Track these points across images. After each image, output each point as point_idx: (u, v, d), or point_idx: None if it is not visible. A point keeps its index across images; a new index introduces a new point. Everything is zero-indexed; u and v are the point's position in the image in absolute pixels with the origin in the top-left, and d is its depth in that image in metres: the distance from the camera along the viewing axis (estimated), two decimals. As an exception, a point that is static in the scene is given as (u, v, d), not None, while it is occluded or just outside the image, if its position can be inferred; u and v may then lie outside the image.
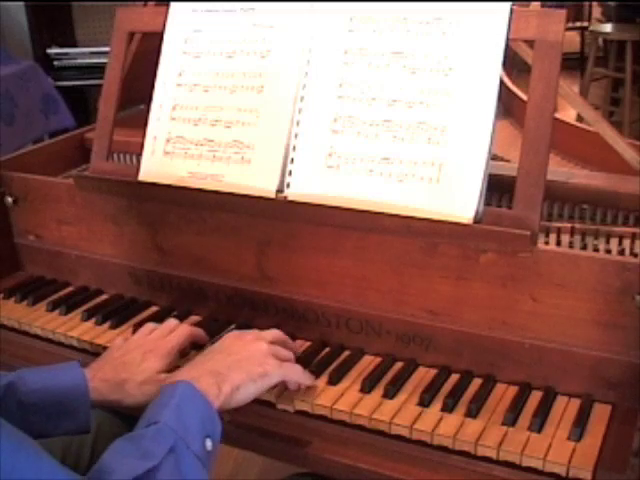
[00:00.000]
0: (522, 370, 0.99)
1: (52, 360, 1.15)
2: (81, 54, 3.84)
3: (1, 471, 0.65)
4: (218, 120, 1.17)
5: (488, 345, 1.00)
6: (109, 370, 0.98)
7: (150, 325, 1.09)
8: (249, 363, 0.93)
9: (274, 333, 1.03)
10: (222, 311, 1.19)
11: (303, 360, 1.04)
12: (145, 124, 1.22)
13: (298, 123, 1.10)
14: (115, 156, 1.45)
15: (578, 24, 5.61)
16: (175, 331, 1.06)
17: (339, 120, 1.08)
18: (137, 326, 1.17)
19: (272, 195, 1.10)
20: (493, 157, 1.02)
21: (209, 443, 0.82)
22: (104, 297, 1.29)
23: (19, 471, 0.67)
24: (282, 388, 0.99)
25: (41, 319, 1.23)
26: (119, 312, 1.22)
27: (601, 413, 0.94)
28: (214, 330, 1.15)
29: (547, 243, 1.11)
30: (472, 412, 0.94)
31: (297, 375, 0.97)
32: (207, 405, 0.85)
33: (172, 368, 1.02)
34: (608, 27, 4.58)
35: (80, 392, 0.94)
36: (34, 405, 0.92)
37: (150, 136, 1.22)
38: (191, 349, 1.10)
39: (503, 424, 0.92)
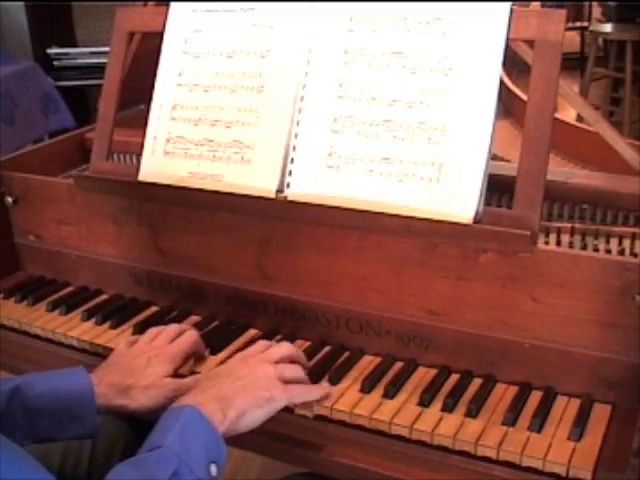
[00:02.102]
0: (522, 370, 0.99)
1: (52, 360, 1.16)
2: (81, 54, 3.84)
3: None
4: (218, 120, 1.17)
5: (488, 345, 1.00)
6: (115, 375, 0.98)
7: (153, 330, 1.09)
8: (255, 388, 0.91)
9: (282, 350, 0.99)
10: (222, 311, 1.19)
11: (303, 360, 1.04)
12: (145, 124, 1.22)
13: (298, 123, 1.10)
14: (115, 156, 1.45)
15: (578, 24, 5.61)
16: (181, 337, 1.06)
17: (339, 120, 1.08)
18: (137, 326, 1.17)
19: (272, 195, 1.10)
20: (493, 157, 1.02)
21: (214, 469, 0.82)
22: (104, 297, 1.29)
23: None
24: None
25: (41, 319, 1.23)
26: (119, 312, 1.22)
27: (601, 413, 0.94)
28: (214, 336, 1.15)
29: (547, 243, 1.11)
30: (472, 412, 0.94)
31: (304, 396, 0.96)
32: (212, 430, 0.84)
33: (176, 374, 1.02)
34: (608, 27, 4.57)
35: (86, 397, 0.94)
36: (40, 409, 0.92)
37: (150, 136, 1.22)
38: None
39: (503, 424, 0.92)
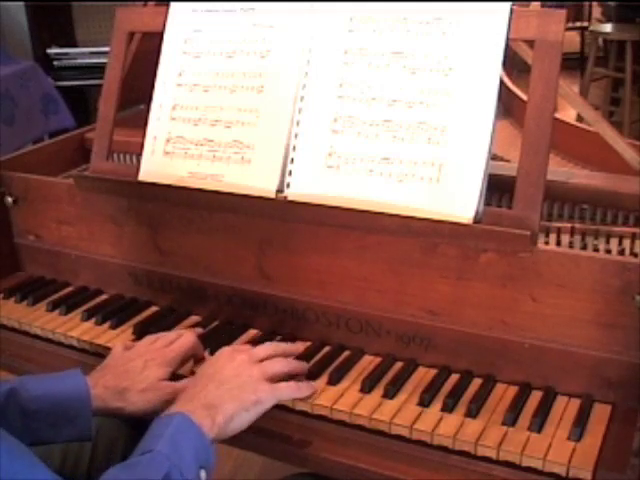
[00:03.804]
0: (522, 370, 0.99)
1: (52, 360, 1.16)
2: (81, 54, 3.83)
3: None
4: (218, 120, 1.17)
5: (488, 345, 1.00)
6: (111, 378, 0.98)
7: (151, 336, 1.09)
8: (242, 392, 0.91)
9: (267, 348, 1.01)
10: (222, 311, 1.19)
11: (303, 360, 1.04)
12: (145, 124, 1.22)
13: (298, 123, 1.10)
14: (115, 156, 1.45)
15: (578, 24, 5.61)
16: (178, 340, 1.06)
17: (339, 120, 1.08)
18: (137, 326, 1.17)
19: (272, 195, 1.10)
20: (493, 157, 1.02)
21: (203, 474, 0.82)
22: (104, 297, 1.29)
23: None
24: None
25: (41, 319, 1.23)
26: (119, 312, 1.22)
27: (601, 413, 0.94)
28: (214, 336, 1.15)
29: (547, 243, 1.11)
30: (472, 412, 0.94)
31: (292, 394, 0.97)
32: (201, 437, 0.84)
33: (175, 375, 1.02)
34: (608, 27, 4.58)
35: (82, 399, 0.94)
36: (36, 412, 0.92)
37: (150, 136, 1.22)
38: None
39: (503, 424, 0.92)
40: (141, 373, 0.99)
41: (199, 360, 1.08)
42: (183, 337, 1.06)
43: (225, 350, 1.00)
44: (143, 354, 1.02)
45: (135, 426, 1.05)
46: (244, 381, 0.93)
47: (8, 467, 0.68)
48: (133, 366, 1.00)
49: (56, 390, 0.94)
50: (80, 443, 1.05)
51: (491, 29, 1.00)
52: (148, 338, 1.08)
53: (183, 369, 1.04)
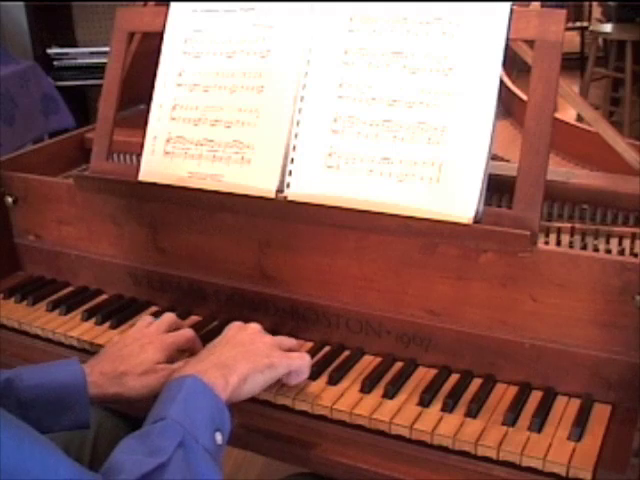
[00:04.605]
0: (522, 370, 0.99)
1: (52, 360, 1.15)
2: (81, 54, 3.84)
3: (4, 466, 0.64)
4: (218, 120, 1.17)
5: (488, 345, 1.00)
6: (108, 363, 0.97)
7: (148, 318, 1.08)
8: (255, 354, 0.92)
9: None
10: (222, 311, 1.19)
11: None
12: (145, 124, 1.23)
13: (298, 123, 1.10)
14: (115, 156, 1.45)
15: (578, 24, 5.62)
16: (178, 331, 1.05)
17: (339, 120, 1.08)
18: (137, 326, 1.17)
19: (272, 195, 1.10)
20: (493, 157, 1.02)
21: (219, 437, 0.81)
22: (104, 297, 1.29)
23: (24, 466, 0.66)
24: (281, 384, 0.99)
25: (41, 319, 1.23)
26: (119, 312, 1.22)
27: (601, 413, 0.94)
28: (214, 336, 1.15)
29: (547, 243, 1.11)
30: (472, 412, 0.94)
31: (303, 366, 0.97)
32: (215, 398, 0.84)
33: (170, 361, 1.01)
34: (608, 27, 4.58)
35: (78, 386, 0.94)
36: (32, 401, 0.92)
37: (150, 136, 1.22)
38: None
39: (503, 424, 0.92)
40: (138, 357, 0.98)
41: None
42: (183, 330, 1.06)
43: (236, 323, 1.01)
44: (139, 338, 1.02)
45: (137, 423, 1.05)
46: (257, 346, 0.94)
47: (14, 450, 0.66)
48: (130, 350, 0.99)
49: (52, 379, 0.94)
50: (81, 439, 1.05)
51: (491, 29, 1.00)
52: (141, 322, 1.07)
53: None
